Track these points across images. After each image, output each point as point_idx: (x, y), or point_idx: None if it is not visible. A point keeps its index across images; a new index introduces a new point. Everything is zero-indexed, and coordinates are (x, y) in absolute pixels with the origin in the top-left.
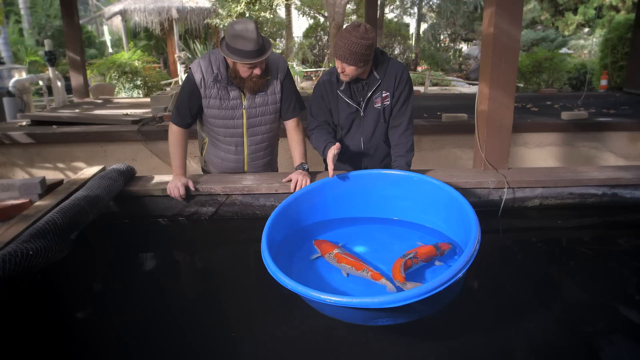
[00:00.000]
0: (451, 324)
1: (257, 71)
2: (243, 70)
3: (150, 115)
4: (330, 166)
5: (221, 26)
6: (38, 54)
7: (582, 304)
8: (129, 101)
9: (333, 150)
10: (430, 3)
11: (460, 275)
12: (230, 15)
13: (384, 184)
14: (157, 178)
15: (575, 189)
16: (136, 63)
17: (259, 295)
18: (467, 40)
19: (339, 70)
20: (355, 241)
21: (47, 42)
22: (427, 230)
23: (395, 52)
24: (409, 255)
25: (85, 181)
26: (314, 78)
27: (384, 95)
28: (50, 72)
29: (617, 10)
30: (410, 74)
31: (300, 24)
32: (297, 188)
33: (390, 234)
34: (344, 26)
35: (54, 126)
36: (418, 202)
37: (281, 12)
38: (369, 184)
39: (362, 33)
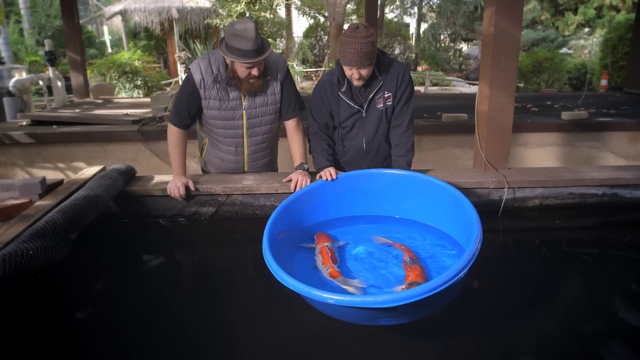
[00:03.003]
0: (451, 324)
1: (254, 72)
2: (241, 71)
3: (150, 115)
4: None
5: (221, 26)
6: (38, 54)
7: (582, 304)
8: (129, 101)
9: (331, 173)
10: (430, 3)
11: (462, 274)
12: (230, 15)
13: (385, 183)
14: (157, 178)
15: (575, 189)
16: (136, 63)
17: (259, 294)
18: (467, 40)
19: (355, 77)
20: (356, 239)
21: (47, 42)
22: (429, 229)
23: (395, 52)
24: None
25: (86, 181)
26: (314, 78)
27: (386, 95)
28: (50, 72)
29: (617, 10)
30: (411, 74)
31: (300, 24)
32: (298, 188)
33: (391, 232)
34: (342, 32)
35: (54, 126)
36: (419, 201)
37: (281, 12)
38: (370, 184)
39: (364, 32)
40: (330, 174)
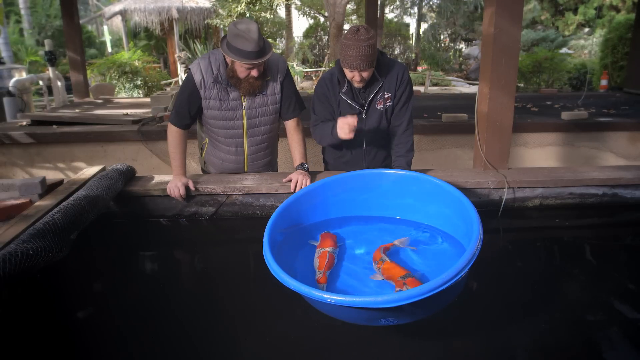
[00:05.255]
0: (451, 324)
1: (254, 73)
2: (240, 71)
3: (150, 115)
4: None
5: (221, 26)
6: (38, 54)
7: (583, 304)
8: (129, 101)
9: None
10: (430, 3)
11: (462, 274)
12: (230, 16)
13: (385, 183)
14: (157, 178)
15: (575, 189)
16: (136, 63)
17: (259, 294)
18: (467, 40)
19: (356, 79)
20: (357, 239)
21: (47, 42)
22: (429, 228)
23: (395, 52)
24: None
25: (86, 181)
26: (314, 78)
27: (385, 96)
28: (50, 72)
29: (617, 10)
30: (410, 74)
31: (300, 24)
32: (298, 188)
33: (392, 232)
34: (343, 34)
35: (54, 126)
36: (420, 201)
37: (281, 12)
38: (370, 184)
39: (365, 35)
40: (349, 121)
